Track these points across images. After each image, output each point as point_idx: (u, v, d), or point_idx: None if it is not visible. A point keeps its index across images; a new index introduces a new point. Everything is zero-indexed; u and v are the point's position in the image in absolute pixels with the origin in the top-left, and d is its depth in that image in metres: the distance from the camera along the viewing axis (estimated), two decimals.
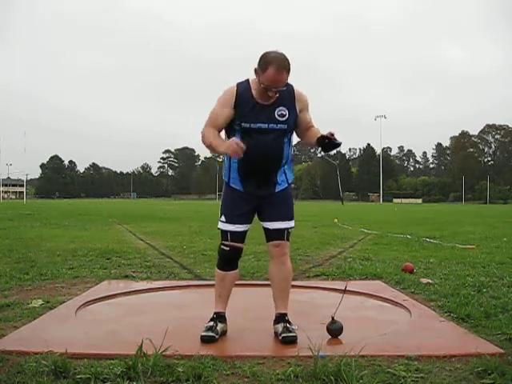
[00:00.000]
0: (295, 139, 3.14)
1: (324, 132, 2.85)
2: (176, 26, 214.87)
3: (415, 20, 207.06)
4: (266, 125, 2.88)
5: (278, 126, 2.89)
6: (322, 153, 2.86)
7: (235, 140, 2.70)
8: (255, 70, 2.83)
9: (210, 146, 2.87)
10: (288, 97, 2.92)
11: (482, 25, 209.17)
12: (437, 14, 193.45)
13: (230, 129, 2.95)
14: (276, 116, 2.89)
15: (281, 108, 2.90)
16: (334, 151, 2.88)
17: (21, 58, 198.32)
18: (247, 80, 2.94)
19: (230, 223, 2.99)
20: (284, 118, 2.90)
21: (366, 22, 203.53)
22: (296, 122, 2.99)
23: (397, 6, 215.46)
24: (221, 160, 3.33)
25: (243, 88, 2.91)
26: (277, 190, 3.00)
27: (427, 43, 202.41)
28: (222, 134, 3.00)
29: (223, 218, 3.02)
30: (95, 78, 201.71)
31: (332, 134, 2.78)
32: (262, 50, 2.83)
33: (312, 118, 3.07)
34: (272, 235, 3.01)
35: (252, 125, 2.87)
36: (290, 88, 2.94)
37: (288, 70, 2.79)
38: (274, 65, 2.74)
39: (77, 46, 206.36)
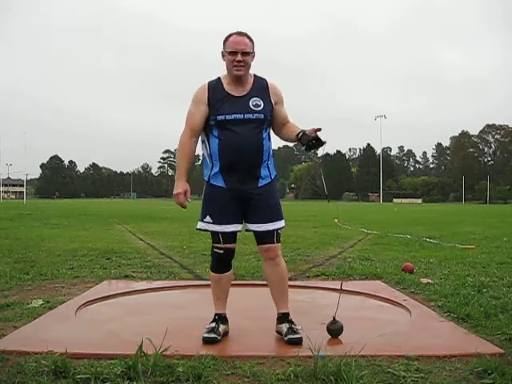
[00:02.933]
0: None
1: (303, 127, 2.83)
2: (177, 28, 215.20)
3: (415, 21, 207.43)
4: (242, 115, 2.85)
5: (255, 115, 2.87)
6: (303, 149, 2.84)
7: (184, 197, 2.85)
8: (222, 53, 2.91)
9: (176, 163, 2.99)
10: (262, 89, 2.95)
11: (481, 25, 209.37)
12: (437, 15, 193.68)
13: (207, 125, 2.92)
14: (251, 106, 2.88)
15: (255, 98, 2.91)
16: (323, 151, 2.88)
17: (21, 57, 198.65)
18: (218, 77, 2.98)
19: (218, 224, 2.92)
20: (259, 108, 2.89)
21: (366, 24, 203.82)
22: (272, 116, 2.96)
23: (398, 7, 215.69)
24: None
25: (214, 83, 2.95)
26: (260, 185, 2.92)
27: (427, 44, 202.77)
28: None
29: (209, 219, 2.95)
30: (95, 78, 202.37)
31: (316, 131, 2.74)
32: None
33: (288, 115, 3.05)
34: (261, 238, 2.94)
35: (227, 116, 2.85)
36: (264, 82, 2.99)
37: (249, 37, 2.88)
38: (233, 33, 2.88)
39: (77, 46, 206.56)
